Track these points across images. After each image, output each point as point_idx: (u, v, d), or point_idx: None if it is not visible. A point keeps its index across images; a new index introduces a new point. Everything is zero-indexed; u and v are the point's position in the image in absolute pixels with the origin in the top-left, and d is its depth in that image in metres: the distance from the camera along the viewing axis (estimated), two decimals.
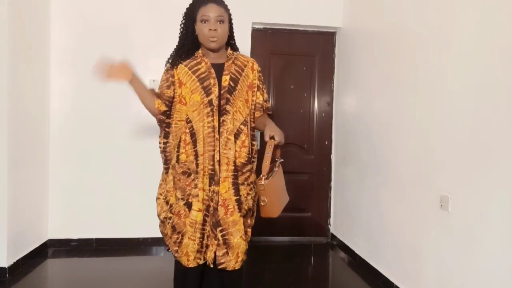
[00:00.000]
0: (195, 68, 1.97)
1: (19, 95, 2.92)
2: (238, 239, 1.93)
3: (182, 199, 1.94)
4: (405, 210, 2.58)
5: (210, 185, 1.92)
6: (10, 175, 2.81)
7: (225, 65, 1.98)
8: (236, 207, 1.93)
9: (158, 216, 2.07)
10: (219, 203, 1.91)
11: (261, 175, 1.80)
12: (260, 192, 1.81)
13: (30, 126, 3.11)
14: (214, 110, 1.92)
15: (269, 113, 2.14)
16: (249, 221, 2.03)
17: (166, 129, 2.02)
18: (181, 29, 2.02)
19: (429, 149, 2.33)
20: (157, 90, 2.01)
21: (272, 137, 1.84)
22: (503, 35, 1.81)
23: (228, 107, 1.94)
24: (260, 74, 2.09)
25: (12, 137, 2.83)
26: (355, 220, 3.35)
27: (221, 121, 1.93)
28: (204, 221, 1.93)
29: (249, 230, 2.04)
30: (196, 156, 1.93)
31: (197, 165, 1.92)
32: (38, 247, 3.25)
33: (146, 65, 3.47)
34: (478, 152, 1.95)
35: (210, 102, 1.92)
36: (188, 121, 1.95)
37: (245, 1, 3.46)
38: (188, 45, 1.99)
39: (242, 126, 1.98)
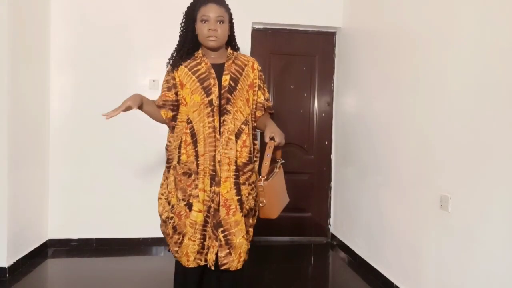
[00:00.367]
0: (195, 68, 1.97)
1: (19, 95, 2.92)
2: (240, 239, 1.93)
3: (183, 199, 1.94)
4: (405, 210, 2.58)
5: (211, 186, 1.91)
6: (10, 175, 2.81)
7: (225, 65, 1.98)
8: (238, 207, 1.93)
9: (160, 216, 2.07)
10: (220, 204, 1.91)
11: (260, 176, 1.80)
12: (259, 193, 1.81)
13: (30, 126, 3.11)
14: (214, 110, 1.92)
15: (271, 112, 2.14)
16: (250, 220, 2.03)
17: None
18: (181, 29, 2.02)
19: (429, 149, 2.33)
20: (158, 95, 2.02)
21: (272, 138, 1.84)
22: (503, 35, 1.82)
23: (228, 107, 1.93)
24: (261, 73, 2.09)
25: (12, 137, 2.83)
26: (355, 220, 3.35)
27: (221, 121, 1.92)
28: (205, 222, 1.92)
29: (251, 229, 2.04)
30: (197, 156, 1.92)
31: (197, 165, 1.92)
32: (38, 247, 3.25)
33: (146, 65, 3.49)
34: (478, 152, 1.95)
35: (210, 102, 1.92)
36: (189, 121, 1.95)
37: (245, 1, 3.45)
38: (188, 45, 1.99)
39: (243, 126, 1.97)
